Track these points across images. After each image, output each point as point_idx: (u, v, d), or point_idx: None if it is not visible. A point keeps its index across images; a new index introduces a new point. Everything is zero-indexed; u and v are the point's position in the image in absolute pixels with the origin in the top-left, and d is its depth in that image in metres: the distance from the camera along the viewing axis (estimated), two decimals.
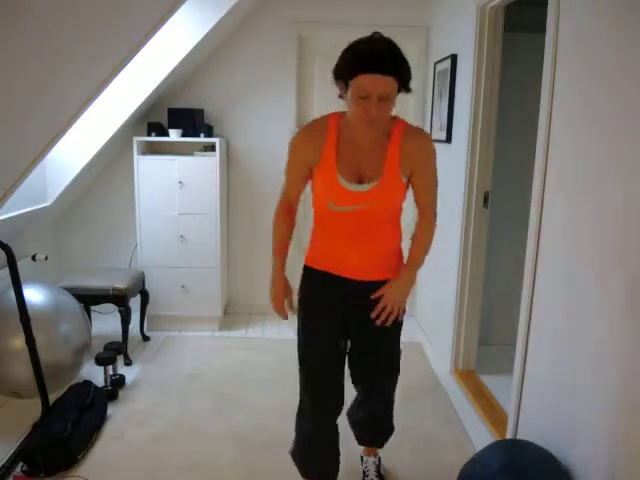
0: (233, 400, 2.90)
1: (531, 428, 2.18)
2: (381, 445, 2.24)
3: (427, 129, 3.85)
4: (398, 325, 1.93)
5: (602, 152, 1.71)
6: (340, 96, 1.65)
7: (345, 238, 1.80)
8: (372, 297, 1.82)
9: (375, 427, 2.19)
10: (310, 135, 1.76)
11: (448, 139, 3.28)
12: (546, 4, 2.08)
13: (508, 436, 2.35)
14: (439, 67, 3.53)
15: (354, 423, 2.21)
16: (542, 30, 2.10)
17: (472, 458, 1.94)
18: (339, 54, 1.60)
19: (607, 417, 1.66)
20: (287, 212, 1.89)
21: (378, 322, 1.82)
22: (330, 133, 1.71)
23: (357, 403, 2.16)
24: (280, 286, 1.87)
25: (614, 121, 1.65)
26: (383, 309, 1.81)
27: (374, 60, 1.50)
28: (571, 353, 1.87)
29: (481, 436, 2.58)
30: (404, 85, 1.58)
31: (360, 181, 1.70)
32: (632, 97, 1.56)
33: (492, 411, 2.72)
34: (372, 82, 1.50)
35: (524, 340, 2.22)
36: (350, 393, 2.07)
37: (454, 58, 3.22)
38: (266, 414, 2.77)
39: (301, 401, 1.97)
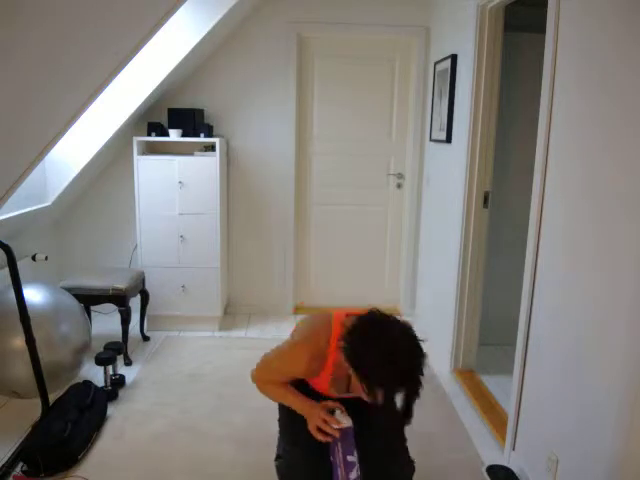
0: (233, 400, 2.90)
1: (531, 428, 2.18)
2: None
3: (427, 129, 3.86)
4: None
5: (602, 152, 1.71)
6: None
7: None
8: None
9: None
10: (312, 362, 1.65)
11: (448, 139, 3.28)
12: (546, 4, 2.08)
13: (508, 436, 2.35)
14: (439, 67, 3.53)
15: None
16: (542, 30, 2.10)
17: None
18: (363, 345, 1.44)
19: (607, 417, 1.66)
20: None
21: None
22: (327, 366, 1.64)
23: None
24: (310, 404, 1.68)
25: (614, 120, 1.65)
26: None
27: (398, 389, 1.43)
28: (571, 353, 1.87)
29: (481, 436, 2.58)
30: None
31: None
32: (632, 96, 1.56)
33: (492, 411, 2.73)
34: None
35: (524, 340, 2.22)
36: None
37: (454, 58, 3.22)
38: (266, 414, 2.76)
39: (284, 450, 1.80)
